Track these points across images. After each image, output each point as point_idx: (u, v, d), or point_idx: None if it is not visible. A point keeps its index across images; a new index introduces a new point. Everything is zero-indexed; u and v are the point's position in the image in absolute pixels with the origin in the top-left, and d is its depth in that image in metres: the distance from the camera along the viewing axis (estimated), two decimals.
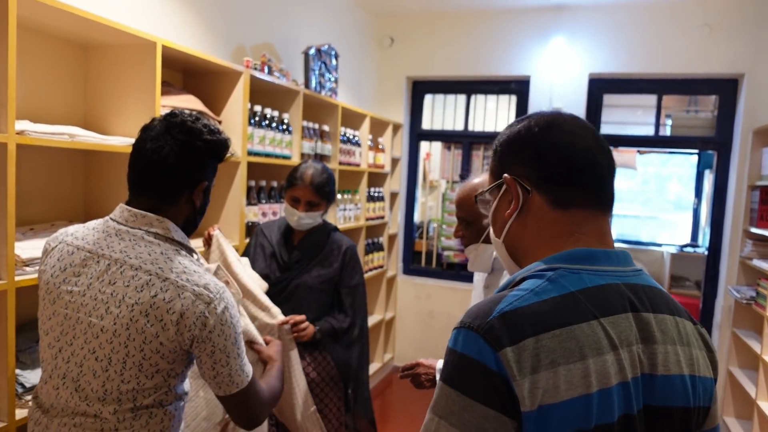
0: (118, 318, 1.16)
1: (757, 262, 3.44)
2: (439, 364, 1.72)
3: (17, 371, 1.57)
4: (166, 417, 1.24)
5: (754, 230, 3.53)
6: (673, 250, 6.34)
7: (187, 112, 1.30)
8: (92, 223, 1.30)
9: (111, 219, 1.26)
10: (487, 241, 1.72)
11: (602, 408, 0.72)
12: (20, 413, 1.54)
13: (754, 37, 3.82)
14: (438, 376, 1.64)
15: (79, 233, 1.27)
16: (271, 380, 1.47)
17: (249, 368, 1.29)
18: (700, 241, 6.34)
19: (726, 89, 4.06)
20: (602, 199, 0.86)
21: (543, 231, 0.86)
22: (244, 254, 2.20)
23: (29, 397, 1.58)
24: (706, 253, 4.28)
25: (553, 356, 0.71)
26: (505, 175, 0.88)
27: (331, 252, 2.13)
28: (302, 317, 1.95)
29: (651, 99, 4.37)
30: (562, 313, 0.75)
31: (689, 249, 6.27)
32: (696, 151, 6.32)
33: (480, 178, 1.77)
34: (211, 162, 1.30)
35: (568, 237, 0.84)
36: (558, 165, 0.85)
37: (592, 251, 0.82)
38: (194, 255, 1.31)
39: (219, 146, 1.30)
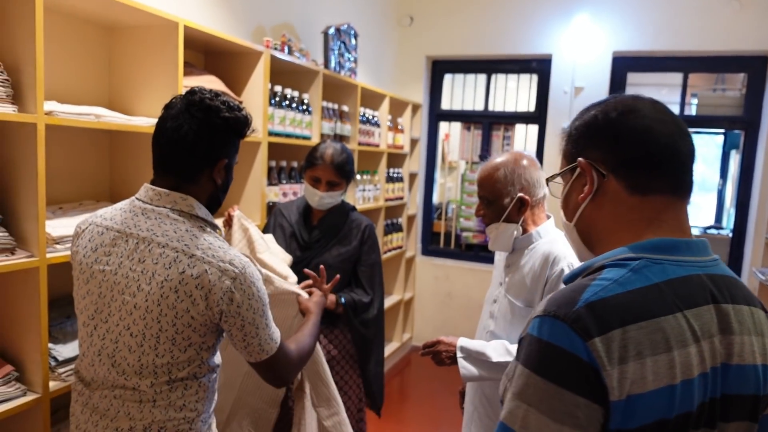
0: (149, 295, 1.19)
1: None
2: (461, 341, 1.74)
3: (50, 345, 1.63)
4: (200, 389, 1.28)
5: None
6: (697, 231, 6.25)
7: (207, 89, 1.30)
8: (120, 204, 1.33)
9: (137, 199, 1.29)
10: (508, 220, 1.73)
11: (684, 398, 0.74)
12: (54, 385, 1.60)
13: None
14: (459, 354, 1.69)
15: (107, 214, 1.31)
16: (301, 338, 1.50)
17: (277, 334, 1.33)
18: (724, 223, 6.24)
19: (755, 67, 3.95)
20: (682, 186, 0.84)
21: (620, 217, 0.85)
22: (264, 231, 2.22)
23: (62, 370, 1.64)
24: (731, 234, 4.22)
25: (640, 347, 0.72)
26: (580, 159, 0.88)
27: (350, 231, 2.14)
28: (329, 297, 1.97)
29: (677, 78, 4.28)
30: (648, 305, 0.75)
31: (713, 231, 6.17)
32: (722, 131, 6.19)
33: (502, 157, 1.77)
34: (231, 139, 1.31)
35: (648, 224, 0.83)
36: (636, 150, 0.83)
37: (674, 241, 0.82)
38: (218, 231, 1.33)
39: (238, 123, 1.29)
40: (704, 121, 4.67)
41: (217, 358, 1.35)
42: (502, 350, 1.67)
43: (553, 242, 1.71)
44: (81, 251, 1.29)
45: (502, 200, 1.72)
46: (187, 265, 1.19)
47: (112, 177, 2.10)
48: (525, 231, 1.75)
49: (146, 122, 1.88)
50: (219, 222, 2.22)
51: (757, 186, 3.89)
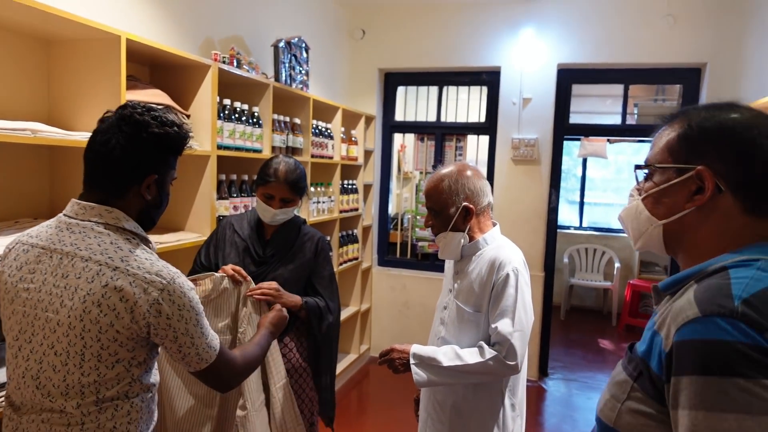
0: (72, 310, 1.16)
1: None
2: (413, 348, 1.77)
3: None
4: (133, 409, 1.24)
5: None
6: None
7: (140, 104, 1.28)
8: (48, 221, 1.30)
9: (63, 214, 1.26)
10: (455, 229, 1.78)
11: None
12: None
13: (716, 26, 3.92)
14: (412, 361, 1.72)
15: (34, 231, 1.28)
16: (248, 348, 1.52)
17: (215, 342, 1.32)
18: None
19: (689, 78, 4.16)
20: None
21: (728, 233, 0.85)
22: (207, 243, 2.18)
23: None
24: None
25: None
26: (701, 167, 0.85)
27: (303, 244, 2.14)
28: (272, 283, 1.98)
29: (619, 88, 4.46)
30: None
31: None
32: None
33: (447, 168, 1.82)
34: (162, 155, 1.28)
35: (752, 239, 0.83)
36: (765, 176, 0.82)
37: None
38: (150, 245, 1.30)
39: (169, 139, 1.27)
40: (645, 130, 4.88)
41: (153, 376, 1.31)
42: (452, 355, 1.70)
43: (499, 248, 1.77)
44: (6, 271, 1.25)
45: (448, 210, 1.77)
46: (111, 278, 1.16)
47: (53, 193, 2.04)
48: (472, 238, 1.80)
49: (87, 137, 1.83)
50: (159, 237, 2.19)
51: None
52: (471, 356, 1.68)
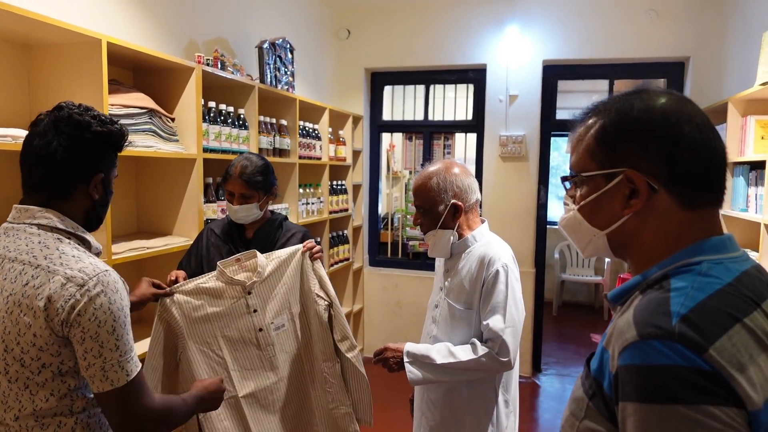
0: (7, 317, 1.13)
1: None
2: (407, 346, 1.77)
3: None
4: (77, 426, 1.17)
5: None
6: None
7: (76, 104, 1.26)
8: None
9: (7, 220, 1.25)
10: (444, 226, 1.78)
11: None
12: None
13: (698, 20, 3.96)
14: (406, 359, 1.71)
15: None
16: (173, 399, 1.32)
17: (133, 367, 1.16)
18: None
19: (673, 72, 4.20)
20: (724, 192, 0.82)
21: (671, 233, 0.81)
22: (190, 251, 2.16)
23: None
24: None
25: (749, 350, 0.68)
26: (628, 170, 0.80)
27: (287, 240, 2.14)
28: (312, 242, 2.03)
29: (604, 84, 4.49)
30: (734, 305, 0.72)
31: None
32: None
33: (434, 166, 1.82)
34: (106, 153, 1.28)
35: (698, 236, 0.80)
36: (696, 166, 0.78)
37: (721, 239, 0.80)
38: (91, 246, 1.27)
39: (112, 136, 1.27)
40: None
41: None
42: (445, 352, 1.71)
43: (488, 245, 1.77)
44: None
45: (436, 208, 1.77)
46: (32, 276, 1.13)
47: None
48: (461, 236, 1.80)
49: None
50: (147, 242, 2.17)
51: None
52: (464, 353, 1.68)
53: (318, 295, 1.97)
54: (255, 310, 1.90)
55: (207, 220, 2.55)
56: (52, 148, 1.19)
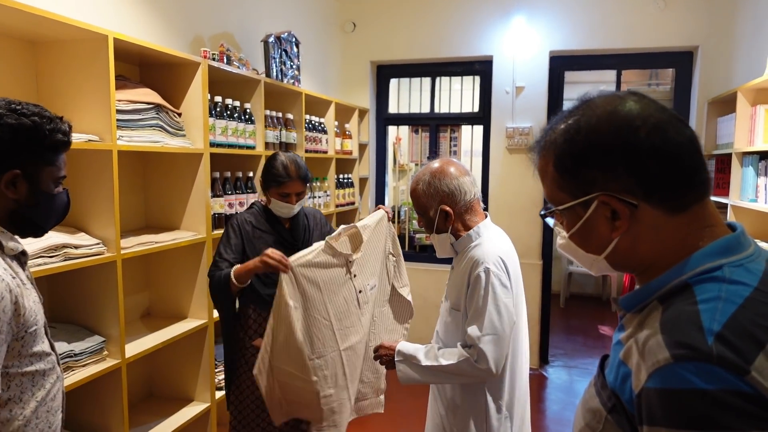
0: None
1: None
2: (399, 346, 1.75)
3: None
4: None
5: (711, 198, 3.65)
6: None
7: (16, 100, 1.20)
8: None
9: None
10: (438, 231, 1.75)
11: None
12: None
13: (707, 9, 3.91)
14: (396, 358, 1.70)
15: None
16: None
17: None
18: None
19: (682, 62, 4.16)
20: (708, 180, 0.77)
21: (667, 241, 0.77)
22: (228, 243, 2.20)
23: None
24: None
25: None
26: (602, 195, 0.76)
27: (314, 221, 2.40)
28: (387, 207, 2.26)
29: (612, 74, 4.45)
30: (765, 315, 0.67)
31: None
32: None
33: (422, 170, 1.78)
34: (20, 149, 1.18)
35: (700, 234, 0.76)
36: (667, 169, 0.74)
37: (735, 237, 0.76)
38: (3, 247, 1.21)
39: (25, 130, 1.17)
40: None
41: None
42: (432, 354, 1.69)
43: (481, 245, 1.71)
44: None
45: (428, 213, 1.74)
46: None
47: None
48: (458, 237, 1.75)
49: (78, 138, 1.83)
50: (155, 237, 2.19)
51: None
52: (447, 358, 1.65)
53: (390, 252, 2.23)
54: (355, 275, 2.05)
55: (215, 214, 2.56)
56: None
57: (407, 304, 2.31)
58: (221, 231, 2.53)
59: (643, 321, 0.75)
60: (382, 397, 2.29)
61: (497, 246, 1.70)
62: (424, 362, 1.68)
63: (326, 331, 1.99)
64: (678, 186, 0.74)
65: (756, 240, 2.99)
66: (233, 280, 2.01)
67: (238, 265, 2.05)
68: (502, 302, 1.61)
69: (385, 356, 1.78)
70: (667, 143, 0.74)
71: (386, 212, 2.20)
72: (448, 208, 1.70)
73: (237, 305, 2.22)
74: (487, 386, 1.71)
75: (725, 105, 3.65)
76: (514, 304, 1.65)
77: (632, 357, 0.72)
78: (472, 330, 1.60)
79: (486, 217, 1.81)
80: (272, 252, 1.91)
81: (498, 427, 1.71)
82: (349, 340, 2.05)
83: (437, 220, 1.72)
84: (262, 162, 2.96)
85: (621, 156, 0.74)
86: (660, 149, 0.73)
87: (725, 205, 3.33)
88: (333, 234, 2.02)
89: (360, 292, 2.07)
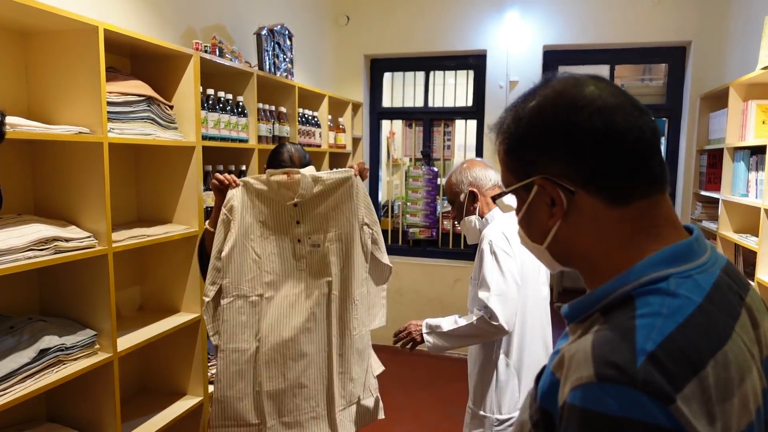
0: None
1: (706, 224, 3.58)
2: (426, 320, 2.00)
3: None
4: None
5: (703, 193, 3.68)
6: None
7: None
8: None
9: None
10: (468, 213, 2.07)
11: (760, 424, 0.65)
12: None
13: (700, 4, 3.92)
14: (424, 330, 1.95)
15: None
16: None
17: None
18: None
19: (675, 57, 4.17)
20: (661, 176, 0.72)
21: (607, 234, 0.72)
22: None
23: None
24: None
25: (720, 392, 0.60)
26: (538, 178, 0.74)
27: None
28: (361, 163, 2.12)
29: (605, 69, 4.46)
30: (707, 334, 0.63)
31: None
32: None
33: (456, 167, 2.13)
34: None
35: (646, 235, 0.71)
36: (605, 155, 0.69)
37: (688, 244, 0.70)
38: None
39: None
40: None
41: None
42: (452, 321, 1.95)
43: (491, 224, 2.00)
44: None
45: (459, 198, 2.09)
46: None
47: (36, 188, 2.02)
48: (483, 216, 2.07)
49: (68, 130, 1.81)
50: (147, 230, 2.17)
51: (682, 170, 4.12)
52: (464, 320, 1.91)
53: (365, 223, 2.05)
54: (298, 222, 1.99)
55: (207, 207, 2.55)
56: None
57: (386, 268, 2.15)
58: None
59: (584, 333, 0.69)
60: (377, 396, 2.11)
61: (503, 225, 1.96)
62: (446, 328, 1.93)
63: (254, 266, 1.94)
64: (618, 175, 0.70)
65: (745, 234, 3.01)
66: (208, 227, 2.01)
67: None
68: (505, 266, 1.86)
69: (416, 331, 2.00)
70: (610, 128, 0.69)
71: (356, 171, 2.03)
72: (475, 189, 2.04)
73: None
74: (498, 346, 1.96)
75: (717, 100, 3.67)
76: (519, 272, 1.89)
77: (562, 368, 0.67)
78: (482, 293, 1.86)
79: None
80: (218, 176, 1.97)
81: (506, 380, 1.95)
82: (273, 291, 1.96)
83: (466, 202, 2.04)
84: (255, 155, 2.95)
85: (560, 138, 0.71)
86: (600, 133, 0.69)
87: (716, 200, 3.35)
88: (278, 170, 1.97)
89: (298, 241, 1.98)
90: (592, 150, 0.69)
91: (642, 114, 0.71)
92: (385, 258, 2.14)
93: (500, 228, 1.93)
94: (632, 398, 0.58)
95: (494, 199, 0.94)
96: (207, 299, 1.92)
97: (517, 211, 0.81)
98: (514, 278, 1.86)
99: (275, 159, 2.20)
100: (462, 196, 2.06)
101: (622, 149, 0.69)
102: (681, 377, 0.59)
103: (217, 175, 1.97)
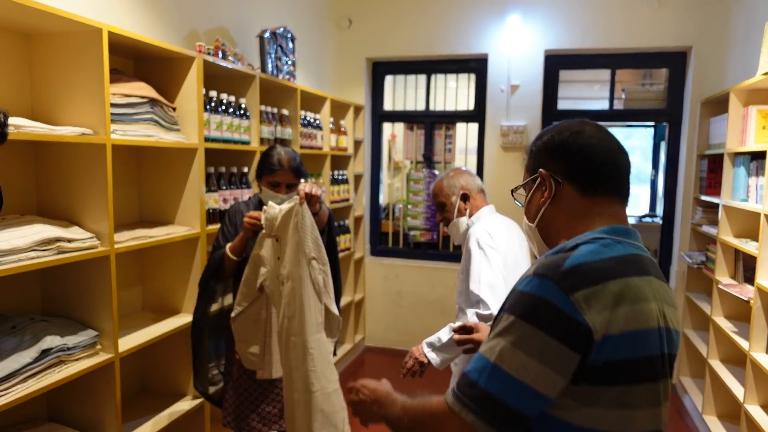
0: None
1: (706, 228, 3.59)
2: (424, 341, 2.06)
3: None
4: None
5: (703, 198, 3.68)
6: (633, 220, 6.55)
7: None
8: None
9: None
10: (459, 214, 2.24)
11: (650, 342, 0.93)
12: None
13: (701, 9, 3.94)
14: (426, 350, 2.02)
15: None
16: None
17: None
18: (657, 211, 6.56)
19: (676, 62, 4.18)
20: (621, 190, 1.07)
21: (575, 214, 1.06)
22: (225, 235, 2.27)
23: None
24: (662, 222, 4.44)
25: (616, 298, 0.90)
26: (540, 169, 1.09)
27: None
28: (309, 186, 2.01)
29: (606, 74, 4.47)
30: (618, 267, 0.94)
31: (647, 219, 6.48)
32: (651, 123, 6.50)
33: (446, 173, 2.30)
34: None
35: (599, 217, 1.04)
36: (584, 162, 1.05)
37: (626, 228, 1.04)
38: None
39: None
40: (632, 115, 4.91)
41: None
42: (447, 330, 2.03)
43: (476, 223, 2.19)
44: None
45: (450, 199, 2.25)
46: None
47: (39, 189, 2.03)
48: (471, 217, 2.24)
49: (71, 131, 1.82)
50: (149, 231, 2.18)
51: (682, 175, 4.12)
52: (458, 324, 1.86)
53: (312, 257, 1.91)
54: (278, 258, 1.99)
55: (209, 209, 2.56)
56: None
57: (334, 319, 2.00)
58: (216, 226, 2.54)
59: None
60: None
61: (488, 223, 2.17)
62: (445, 339, 2.01)
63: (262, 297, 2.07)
64: (588, 175, 1.05)
65: (746, 239, 3.02)
66: (228, 253, 2.13)
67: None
68: (492, 260, 2.04)
69: (420, 356, 2.04)
70: (589, 148, 1.05)
71: (300, 199, 1.92)
72: (466, 191, 2.23)
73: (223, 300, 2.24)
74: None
75: (718, 105, 3.68)
76: (505, 265, 2.06)
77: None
78: (473, 285, 2.02)
79: (488, 205, 2.28)
80: (250, 213, 2.08)
81: None
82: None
83: (458, 204, 2.22)
84: (257, 158, 2.96)
85: (560, 150, 1.08)
86: (584, 149, 1.06)
87: (717, 205, 3.36)
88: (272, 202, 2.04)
89: (278, 278, 1.96)
90: (577, 156, 1.06)
91: (621, 152, 1.07)
92: (334, 306, 1.99)
93: (485, 226, 2.13)
94: (548, 287, 0.91)
95: (512, 192, 1.26)
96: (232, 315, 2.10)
97: (525, 197, 1.16)
98: (500, 270, 2.04)
99: (265, 162, 2.23)
100: (454, 198, 2.23)
101: (595, 159, 1.05)
102: (584, 283, 0.90)
103: (252, 215, 2.06)
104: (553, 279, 0.90)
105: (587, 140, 1.05)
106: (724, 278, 3.23)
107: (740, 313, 3.21)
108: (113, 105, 2.02)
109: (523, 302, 0.92)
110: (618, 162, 1.06)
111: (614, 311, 0.89)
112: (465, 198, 2.23)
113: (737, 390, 2.92)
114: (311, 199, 1.97)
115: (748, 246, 2.87)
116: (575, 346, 0.88)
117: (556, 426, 0.92)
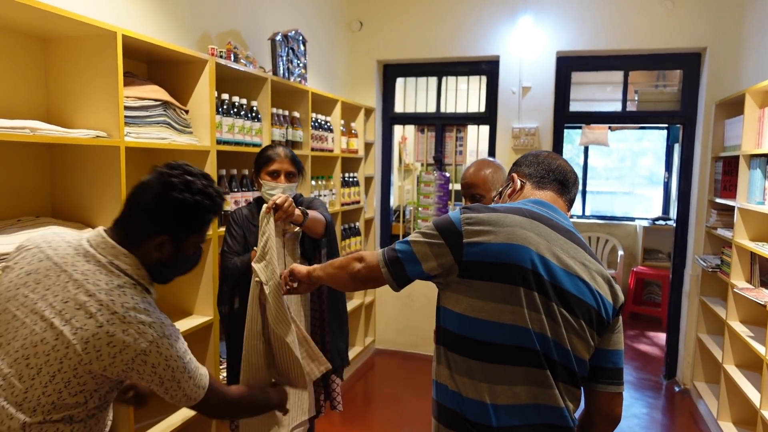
0: (60, 335, 1.18)
1: (721, 231, 3.54)
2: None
3: None
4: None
5: (718, 200, 3.64)
6: (646, 223, 6.48)
7: (189, 166, 1.34)
8: (70, 236, 1.33)
9: (87, 240, 1.30)
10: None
11: (508, 255, 1.24)
12: None
13: (716, 10, 3.90)
14: None
15: (54, 243, 1.30)
16: (247, 391, 1.58)
17: (204, 380, 1.36)
18: (671, 214, 6.49)
19: (690, 63, 4.14)
20: (564, 192, 1.45)
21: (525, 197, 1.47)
22: (233, 236, 2.25)
23: None
24: (675, 225, 4.39)
25: (489, 222, 1.28)
26: (513, 174, 1.51)
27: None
28: (284, 197, 1.93)
29: (619, 75, 4.44)
30: (504, 209, 1.33)
31: (661, 222, 6.41)
32: (664, 125, 6.45)
33: (486, 162, 2.22)
34: (179, 219, 1.30)
35: (533, 198, 1.44)
36: (538, 169, 1.47)
37: (546, 202, 1.40)
38: (151, 294, 1.34)
39: (188, 206, 1.29)
40: (645, 117, 4.85)
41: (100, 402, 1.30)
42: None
43: None
44: (17, 269, 1.27)
45: (490, 194, 2.10)
46: (106, 321, 1.19)
47: (54, 191, 2.05)
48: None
49: (86, 134, 1.84)
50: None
51: (696, 177, 4.08)
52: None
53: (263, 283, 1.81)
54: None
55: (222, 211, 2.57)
56: (138, 194, 1.31)
57: (296, 365, 1.84)
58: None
59: None
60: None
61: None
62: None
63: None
64: (539, 177, 1.46)
65: (762, 243, 2.98)
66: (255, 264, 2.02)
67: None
68: None
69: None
70: (539, 161, 1.49)
71: (269, 206, 1.87)
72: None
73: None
74: None
75: (733, 107, 3.63)
76: None
77: None
78: None
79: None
80: (275, 198, 1.90)
81: None
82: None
83: (507, 191, 2.16)
84: None
85: (521, 163, 1.52)
86: (533, 162, 1.49)
87: (732, 208, 3.32)
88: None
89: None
90: (534, 166, 1.48)
91: (570, 170, 1.48)
92: (295, 344, 1.86)
93: None
94: (457, 212, 1.33)
95: (499, 194, 1.58)
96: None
97: (502, 195, 1.55)
98: None
99: (262, 156, 2.27)
100: (493, 194, 2.19)
101: (545, 168, 1.47)
102: (474, 210, 1.31)
103: (270, 204, 1.88)
104: (462, 210, 1.32)
105: (542, 157, 1.49)
106: (739, 282, 3.19)
107: (756, 318, 3.17)
108: (127, 108, 2.03)
109: (440, 218, 1.34)
110: (562, 172, 1.46)
111: (483, 228, 1.26)
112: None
113: (753, 395, 2.88)
114: (285, 210, 1.90)
115: (765, 249, 2.83)
116: (450, 243, 1.28)
117: (452, 316, 1.30)
